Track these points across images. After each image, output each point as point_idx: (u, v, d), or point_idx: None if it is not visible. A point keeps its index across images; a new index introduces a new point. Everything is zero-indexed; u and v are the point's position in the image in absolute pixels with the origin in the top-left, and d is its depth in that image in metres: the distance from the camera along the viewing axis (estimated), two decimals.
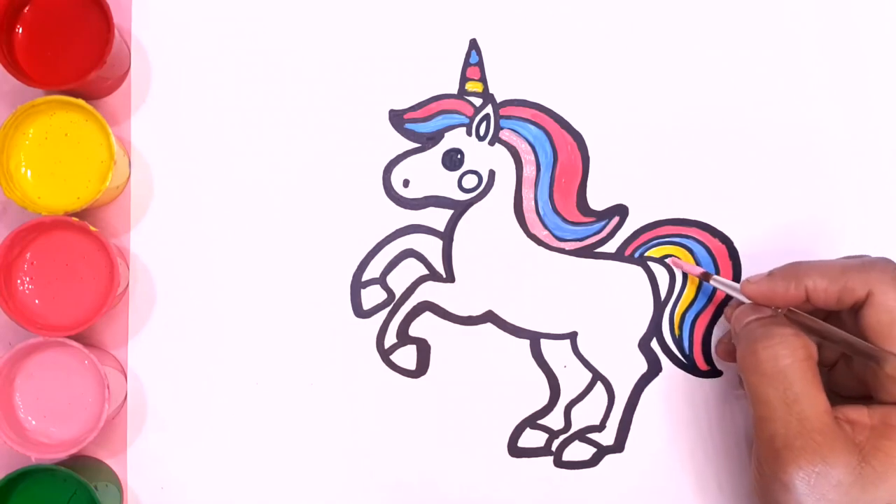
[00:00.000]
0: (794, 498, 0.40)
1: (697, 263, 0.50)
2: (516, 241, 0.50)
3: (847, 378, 0.45)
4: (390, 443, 0.49)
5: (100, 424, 0.45)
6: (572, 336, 0.50)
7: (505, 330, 0.50)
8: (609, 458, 0.50)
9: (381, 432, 0.49)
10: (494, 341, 0.50)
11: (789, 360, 0.41)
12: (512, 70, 0.50)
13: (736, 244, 0.50)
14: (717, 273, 0.50)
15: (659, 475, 0.49)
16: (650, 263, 0.50)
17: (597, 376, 0.50)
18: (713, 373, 0.50)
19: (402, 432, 0.49)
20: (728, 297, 0.49)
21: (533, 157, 0.50)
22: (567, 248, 0.50)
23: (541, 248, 0.50)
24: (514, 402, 0.50)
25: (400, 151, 0.50)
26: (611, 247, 0.50)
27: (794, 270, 0.43)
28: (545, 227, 0.50)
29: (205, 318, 0.49)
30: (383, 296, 0.50)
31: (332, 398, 0.49)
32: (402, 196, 0.50)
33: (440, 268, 0.50)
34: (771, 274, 0.44)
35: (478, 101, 0.50)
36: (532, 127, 0.50)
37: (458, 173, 0.50)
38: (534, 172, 0.50)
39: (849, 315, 0.43)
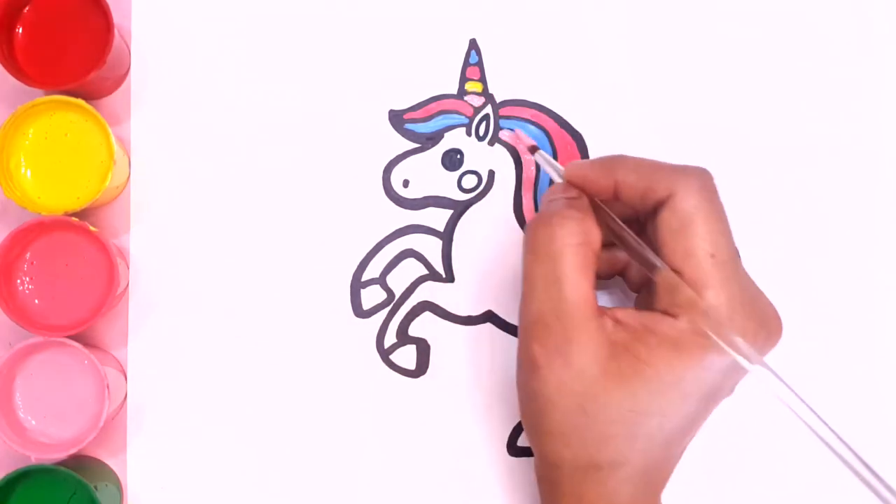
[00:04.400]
0: (537, 376, 0.39)
1: None
2: (516, 241, 0.50)
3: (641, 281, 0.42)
4: (390, 443, 0.49)
5: (100, 424, 0.45)
6: None
7: (505, 330, 0.50)
8: None
9: (380, 432, 0.49)
10: (494, 341, 0.50)
11: (560, 244, 0.39)
12: (512, 70, 0.50)
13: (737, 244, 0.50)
14: None
15: None
16: None
17: None
18: None
19: (402, 432, 0.49)
20: None
21: (533, 158, 0.50)
22: None
23: None
24: (513, 401, 0.49)
25: (400, 151, 0.50)
26: None
27: (612, 161, 0.41)
28: None
29: (205, 318, 0.49)
30: (383, 296, 0.50)
31: (332, 398, 0.49)
32: (401, 196, 0.50)
33: (440, 268, 0.50)
34: (592, 160, 0.42)
35: (477, 102, 0.50)
36: (532, 127, 0.50)
37: (457, 173, 0.50)
38: (533, 173, 0.50)
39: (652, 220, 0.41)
